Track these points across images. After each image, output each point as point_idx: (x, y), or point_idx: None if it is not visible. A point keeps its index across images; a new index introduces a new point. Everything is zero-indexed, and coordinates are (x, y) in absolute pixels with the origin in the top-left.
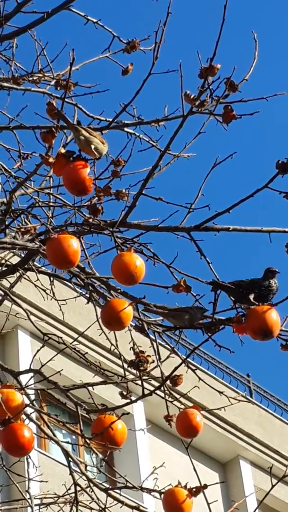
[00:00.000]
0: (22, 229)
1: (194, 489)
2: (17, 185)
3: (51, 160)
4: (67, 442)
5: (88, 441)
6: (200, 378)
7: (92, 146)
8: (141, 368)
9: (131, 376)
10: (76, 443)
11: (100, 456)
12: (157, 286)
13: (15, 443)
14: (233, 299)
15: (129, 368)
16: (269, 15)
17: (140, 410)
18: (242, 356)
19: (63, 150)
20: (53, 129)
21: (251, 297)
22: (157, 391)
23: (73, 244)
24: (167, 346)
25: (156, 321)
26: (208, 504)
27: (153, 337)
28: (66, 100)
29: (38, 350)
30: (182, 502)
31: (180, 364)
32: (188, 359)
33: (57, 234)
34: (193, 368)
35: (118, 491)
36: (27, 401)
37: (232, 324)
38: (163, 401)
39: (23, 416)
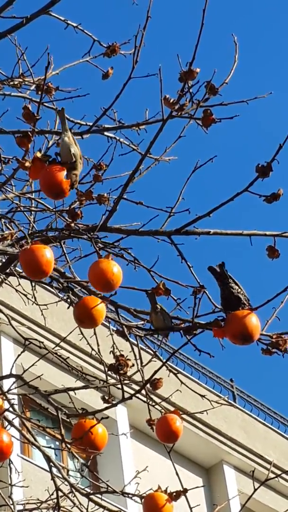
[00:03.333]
0: (0, 236)
1: (174, 494)
2: None
3: (27, 164)
4: (49, 447)
5: (68, 446)
6: (182, 382)
7: (72, 150)
8: (121, 371)
9: (113, 381)
10: (59, 449)
11: (82, 461)
12: (137, 289)
13: None
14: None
15: (109, 372)
16: (249, 19)
17: (123, 415)
18: (226, 361)
19: (39, 154)
20: (29, 133)
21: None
22: (139, 395)
23: (46, 254)
24: (149, 350)
25: (137, 325)
26: (191, 508)
27: (135, 342)
28: (47, 104)
29: (19, 355)
30: (162, 506)
31: (161, 367)
32: (171, 363)
33: (30, 244)
34: (175, 372)
35: (100, 496)
36: (8, 407)
37: (212, 328)
38: (146, 406)
39: (5, 422)
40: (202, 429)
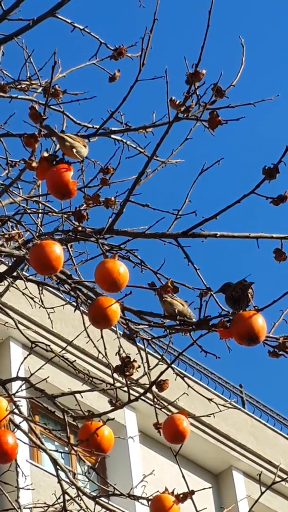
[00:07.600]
0: (6, 236)
1: (181, 496)
2: (1, 191)
3: (34, 164)
4: (56, 451)
5: (74, 448)
6: (189, 385)
7: (75, 150)
8: (127, 373)
9: (119, 384)
10: (66, 452)
11: (88, 464)
12: (145, 288)
13: None
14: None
15: (115, 374)
16: (256, 21)
17: (132, 420)
18: (235, 367)
19: (46, 154)
20: (35, 133)
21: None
22: (146, 399)
23: (56, 249)
24: (156, 354)
25: (143, 327)
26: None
27: (142, 346)
28: (54, 107)
29: (25, 358)
30: (169, 508)
31: (166, 369)
32: (179, 369)
33: (40, 240)
34: (181, 375)
35: (106, 500)
36: (13, 408)
37: (217, 329)
38: (154, 412)
39: (12, 426)
40: (212, 434)
